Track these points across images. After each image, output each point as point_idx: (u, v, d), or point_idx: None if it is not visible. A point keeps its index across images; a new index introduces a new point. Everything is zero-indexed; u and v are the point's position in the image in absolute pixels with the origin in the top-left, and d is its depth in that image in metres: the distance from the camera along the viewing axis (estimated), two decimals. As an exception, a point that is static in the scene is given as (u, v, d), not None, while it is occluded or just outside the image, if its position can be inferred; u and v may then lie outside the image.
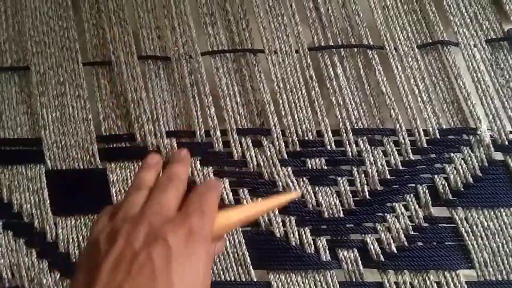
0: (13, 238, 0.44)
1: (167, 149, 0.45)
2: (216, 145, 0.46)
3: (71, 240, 0.44)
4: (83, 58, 0.49)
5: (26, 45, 0.49)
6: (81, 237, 0.44)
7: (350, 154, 0.45)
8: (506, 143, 0.44)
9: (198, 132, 0.46)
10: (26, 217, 0.45)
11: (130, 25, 0.50)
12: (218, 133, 0.46)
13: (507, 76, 0.46)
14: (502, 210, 0.42)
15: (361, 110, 0.46)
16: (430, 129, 0.45)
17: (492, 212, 0.42)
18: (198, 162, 0.45)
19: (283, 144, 0.45)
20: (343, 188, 0.44)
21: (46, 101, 0.47)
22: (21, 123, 0.47)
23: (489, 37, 0.46)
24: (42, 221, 0.44)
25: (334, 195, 0.44)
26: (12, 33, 0.50)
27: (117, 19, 0.50)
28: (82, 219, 0.44)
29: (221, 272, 0.42)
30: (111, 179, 0.45)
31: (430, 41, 0.47)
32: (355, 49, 0.48)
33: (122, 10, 0.50)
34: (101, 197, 0.45)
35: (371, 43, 0.47)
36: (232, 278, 0.42)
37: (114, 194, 0.44)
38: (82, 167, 0.46)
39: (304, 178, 0.44)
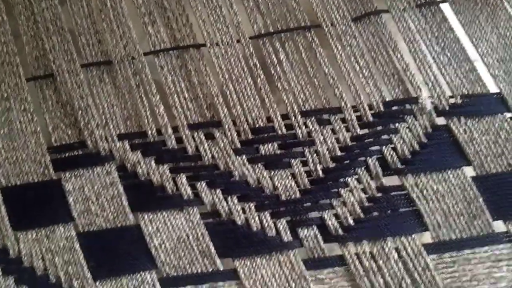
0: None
1: (120, 153, 0.47)
2: (169, 142, 0.48)
3: (34, 254, 0.45)
4: (25, 71, 0.50)
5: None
6: (44, 250, 0.45)
7: (300, 136, 0.48)
8: (447, 108, 0.47)
9: (149, 132, 0.48)
10: (-16, 235, 0.46)
11: (69, 33, 0.51)
12: (170, 130, 0.48)
13: (442, 44, 0.49)
14: (449, 172, 0.46)
15: (307, 92, 0.49)
16: (374, 103, 0.48)
17: (440, 175, 0.45)
18: (153, 161, 0.47)
19: (235, 134, 0.48)
20: (297, 170, 0.47)
21: (-8, 117, 0.48)
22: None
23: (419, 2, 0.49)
24: (3, 238, 0.46)
25: (290, 177, 0.46)
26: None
27: (54, 28, 0.52)
28: (43, 231, 0.46)
29: (187, 266, 0.44)
30: (67, 189, 0.47)
31: (363, 12, 0.50)
32: (295, 33, 0.50)
33: (59, 18, 0.52)
34: (59, 208, 0.47)
35: (309, 24, 0.50)
36: (199, 270, 0.44)
37: (72, 203, 0.47)
38: (36, 180, 0.47)
39: (259, 164, 0.47)
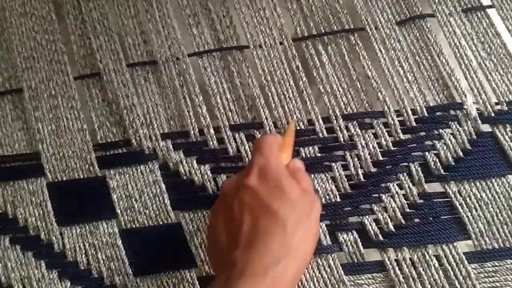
0: (21, 251, 0.47)
1: (163, 152, 0.48)
2: (211, 142, 0.48)
3: (78, 249, 0.47)
4: (72, 69, 0.51)
5: (15, 62, 0.52)
6: (87, 245, 0.47)
7: (342, 139, 0.47)
8: (493, 114, 0.47)
9: (192, 132, 0.49)
10: (32, 230, 0.48)
11: (116, 33, 0.52)
12: (212, 131, 0.49)
13: (488, 49, 0.49)
14: (493, 180, 0.45)
15: (349, 96, 0.49)
16: (418, 107, 0.47)
17: (484, 183, 0.45)
18: (195, 161, 0.48)
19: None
20: (337, 173, 0.46)
21: (41, 115, 0.50)
22: (18, 139, 0.50)
23: (467, 6, 0.49)
24: (48, 233, 0.47)
25: (330, 181, 0.46)
26: (0, 51, 0.52)
27: (102, 28, 0.53)
28: (87, 227, 0.47)
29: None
30: (111, 186, 0.48)
31: (408, 16, 0.49)
32: (338, 36, 0.50)
33: (106, 18, 0.53)
34: (103, 204, 0.48)
35: (353, 27, 0.50)
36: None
37: (116, 200, 0.47)
38: (82, 176, 0.49)
39: (299, 167, 0.47)
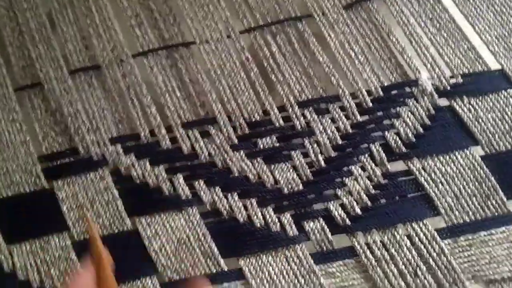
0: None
1: (113, 157, 0.45)
2: (163, 143, 0.45)
3: (29, 266, 0.43)
4: (12, 81, 0.48)
5: None
6: (39, 261, 0.43)
7: (299, 127, 0.45)
8: (448, 88, 0.45)
9: (142, 134, 0.46)
10: (-23, 252, 0.43)
11: (55, 41, 0.49)
12: (163, 130, 0.46)
13: (438, 25, 0.47)
14: (456, 153, 0.43)
15: (303, 83, 0.47)
16: (373, 88, 0.46)
17: (448, 157, 0.43)
18: (148, 163, 0.44)
19: (232, 129, 0.45)
20: (298, 162, 0.44)
21: (-19, 131, 0.46)
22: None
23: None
24: (-6, 253, 0.43)
25: (291, 170, 0.44)
26: None
27: (40, 37, 0.50)
28: (37, 243, 0.43)
29: (190, 269, 0.42)
30: (60, 197, 0.44)
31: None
32: (286, 24, 0.48)
33: (45, 27, 0.50)
34: (53, 217, 0.44)
35: (299, 15, 0.48)
36: (202, 272, 0.41)
37: (66, 211, 0.44)
38: (28, 190, 0.45)
39: (258, 159, 0.44)
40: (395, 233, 0.41)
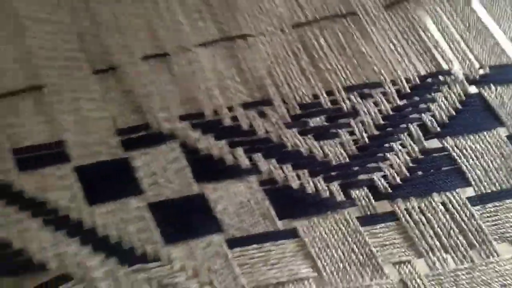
0: (54, 232, 0.49)
1: (182, 132, 0.51)
2: (225, 120, 0.52)
3: (108, 225, 0.49)
4: (91, 64, 0.55)
5: (35, 62, 0.55)
6: (117, 220, 0.49)
7: (345, 109, 0.51)
8: (477, 77, 0.52)
9: (207, 112, 0.52)
10: (62, 211, 0.49)
11: (128, 30, 0.56)
12: (225, 110, 0.52)
13: (467, 24, 0.54)
14: (485, 133, 0.49)
15: (348, 71, 0.53)
16: (411, 76, 0.52)
17: (477, 136, 0.49)
18: (212, 137, 0.51)
19: (285, 110, 0.52)
20: (344, 138, 0.50)
21: (63, 107, 0.53)
22: (40, 130, 0.52)
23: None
24: (79, 212, 0.49)
25: (338, 146, 0.50)
26: (20, 53, 0.55)
27: (114, 28, 0.56)
28: (115, 205, 0.49)
29: (250, 228, 0.48)
30: (135, 165, 0.50)
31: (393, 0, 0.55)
32: (333, 21, 0.55)
33: (117, 18, 0.56)
34: (129, 182, 0.50)
35: (344, 12, 0.55)
36: (261, 231, 0.47)
37: (141, 178, 0.50)
38: (107, 159, 0.51)
39: (309, 136, 0.51)
40: (431, 200, 0.47)
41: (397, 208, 0.47)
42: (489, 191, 0.47)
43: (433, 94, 0.51)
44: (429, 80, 0.52)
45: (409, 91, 0.51)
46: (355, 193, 0.48)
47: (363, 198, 0.48)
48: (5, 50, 0.56)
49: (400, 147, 0.49)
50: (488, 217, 0.46)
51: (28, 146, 0.52)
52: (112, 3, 0.58)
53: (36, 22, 0.57)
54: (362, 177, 0.49)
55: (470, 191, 0.48)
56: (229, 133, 0.51)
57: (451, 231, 0.46)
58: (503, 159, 0.48)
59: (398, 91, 0.52)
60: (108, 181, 0.50)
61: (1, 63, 0.55)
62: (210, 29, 0.56)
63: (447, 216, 0.46)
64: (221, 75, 0.53)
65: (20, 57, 0.56)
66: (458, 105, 0.50)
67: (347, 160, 0.49)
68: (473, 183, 0.47)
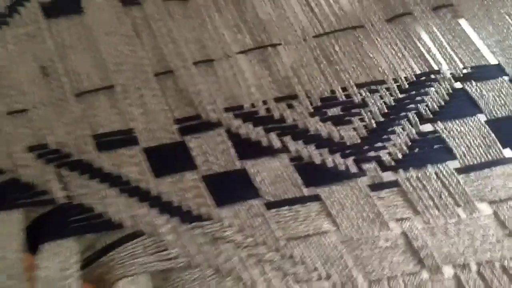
0: (128, 198, 0.61)
1: (226, 121, 0.63)
2: (261, 111, 0.64)
3: (171, 192, 0.60)
4: (152, 69, 0.67)
5: (107, 67, 0.67)
6: (176, 189, 0.60)
7: (356, 101, 0.63)
8: (461, 75, 0.63)
9: (246, 105, 0.64)
10: (133, 182, 0.61)
11: (180, 40, 0.68)
12: (261, 103, 0.64)
13: (453, 33, 0.66)
14: (468, 118, 0.61)
15: (358, 72, 0.65)
16: (408, 75, 0.64)
17: (462, 121, 0.61)
18: (251, 125, 0.63)
19: (309, 103, 0.64)
20: (357, 124, 0.62)
21: (131, 102, 0.65)
22: (113, 120, 0.65)
23: (435, 6, 0.67)
24: (147, 183, 0.61)
25: (351, 130, 0.62)
26: (94, 60, 0.68)
27: (169, 39, 0.69)
28: (175, 177, 0.61)
29: (282, 194, 0.59)
30: (190, 146, 0.62)
31: (394, 15, 0.67)
32: (346, 32, 0.67)
33: (172, 32, 0.69)
34: (185, 160, 0.62)
35: (355, 25, 0.67)
36: (291, 196, 0.59)
37: (195, 156, 0.62)
38: (167, 142, 0.63)
39: (328, 122, 0.62)
40: (426, 171, 0.59)
41: (399, 177, 0.59)
42: (471, 163, 0.59)
43: (426, 89, 0.63)
44: (423, 78, 0.64)
45: (407, 86, 0.63)
46: (365, 166, 0.60)
47: (372, 170, 0.59)
48: (83, 58, 0.68)
49: (401, 130, 0.61)
50: (470, 182, 0.58)
51: (104, 133, 0.64)
52: (167, 20, 0.70)
53: (106, 35, 0.69)
54: (371, 154, 0.60)
55: (456, 163, 0.59)
56: (264, 121, 0.63)
57: (442, 194, 0.57)
58: (482, 138, 0.60)
59: (398, 87, 0.63)
60: (169, 159, 0.62)
61: (80, 69, 0.67)
62: (246, 39, 0.68)
63: (439, 183, 0.58)
64: (256, 76, 0.65)
65: (95, 63, 0.68)
66: (446, 97, 0.62)
67: (359, 141, 0.61)
68: (458, 157, 0.59)
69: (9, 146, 0.62)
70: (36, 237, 0.56)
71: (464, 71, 0.63)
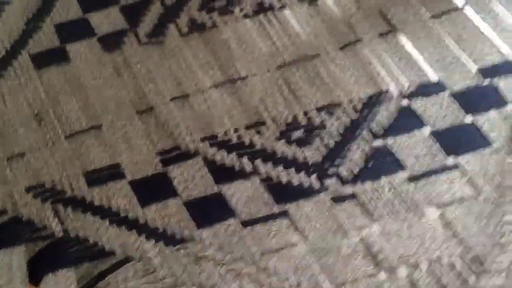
0: (118, 228, 0.66)
1: (203, 149, 0.69)
2: (233, 139, 0.70)
3: (155, 219, 0.66)
4: (133, 107, 0.73)
5: (94, 107, 0.73)
6: (162, 215, 0.66)
7: (317, 124, 0.69)
8: (407, 93, 0.70)
9: (219, 134, 0.70)
10: (122, 212, 0.67)
11: (159, 79, 0.74)
12: (232, 131, 0.70)
13: (400, 56, 0.72)
14: (415, 131, 0.67)
15: (318, 97, 0.71)
16: (362, 96, 0.70)
17: (409, 134, 0.67)
18: (225, 151, 0.69)
19: (275, 127, 0.70)
20: (318, 144, 0.68)
21: (115, 140, 0.71)
22: (101, 157, 0.71)
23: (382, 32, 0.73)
24: (134, 212, 0.67)
25: (314, 150, 0.68)
26: (82, 103, 0.74)
27: (149, 77, 0.75)
28: (159, 205, 0.67)
29: (256, 212, 0.66)
30: (171, 176, 0.68)
31: (346, 43, 0.73)
32: (304, 61, 0.74)
33: (150, 71, 0.75)
34: (167, 188, 0.68)
35: (312, 54, 0.73)
36: (263, 214, 0.65)
37: (176, 184, 0.68)
38: (150, 174, 0.69)
39: (293, 144, 0.68)
40: (380, 182, 0.65)
41: (357, 190, 0.65)
42: (419, 172, 0.65)
43: (377, 108, 0.69)
44: (374, 98, 0.70)
45: (360, 107, 0.69)
46: (327, 182, 0.66)
47: (333, 185, 0.65)
48: (71, 102, 0.74)
49: (356, 147, 0.67)
50: (419, 190, 0.64)
51: (94, 169, 0.70)
52: (144, 61, 0.76)
53: (92, 80, 0.75)
54: (331, 170, 0.66)
55: (406, 173, 0.65)
56: (236, 148, 0.69)
57: (394, 202, 0.63)
58: (427, 149, 0.66)
59: (353, 108, 0.70)
60: (153, 189, 0.68)
61: (70, 112, 0.73)
62: (217, 74, 0.74)
63: (391, 192, 0.64)
64: (227, 107, 0.71)
65: (83, 106, 0.74)
66: (395, 114, 0.68)
67: (320, 159, 0.67)
68: (408, 167, 0.65)
69: (10, 188, 0.68)
70: (38, 268, 0.62)
71: (410, 89, 0.69)
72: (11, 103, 0.73)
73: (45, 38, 0.78)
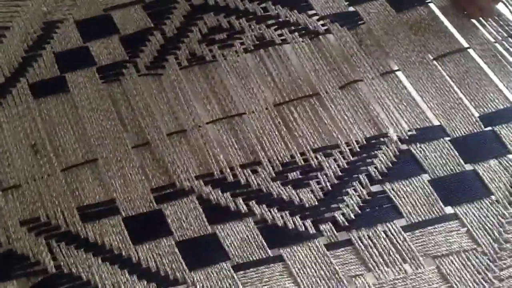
0: (110, 266, 0.63)
1: (197, 187, 0.66)
2: (229, 178, 0.66)
3: (148, 258, 0.63)
4: (130, 141, 0.70)
5: (89, 141, 0.70)
6: (155, 255, 0.63)
7: (314, 165, 0.66)
8: (407, 137, 0.65)
9: (215, 172, 0.67)
10: (115, 250, 0.64)
11: (156, 114, 0.71)
12: (228, 170, 0.66)
13: (400, 97, 0.68)
14: (412, 178, 0.63)
15: (315, 137, 0.67)
16: (359, 138, 0.66)
17: (407, 181, 0.63)
18: (219, 190, 0.65)
19: (271, 168, 0.66)
20: (314, 187, 0.64)
21: (112, 174, 0.67)
22: (97, 192, 0.67)
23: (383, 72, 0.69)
24: (127, 250, 0.63)
25: (309, 192, 0.64)
26: (78, 135, 0.70)
27: (146, 112, 0.71)
28: (152, 243, 0.63)
29: (249, 256, 0.62)
30: (165, 214, 0.65)
31: (346, 82, 0.69)
32: (303, 100, 0.70)
33: (149, 105, 0.72)
34: (162, 226, 0.64)
35: (311, 93, 0.69)
36: (257, 258, 0.61)
37: (170, 222, 0.64)
38: (145, 210, 0.66)
39: (289, 186, 0.65)
40: (376, 229, 0.61)
41: (352, 237, 0.61)
42: (416, 221, 0.61)
43: (375, 151, 0.65)
44: (373, 141, 0.66)
45: (358, 149, 0.65)
46: (322, 227, 0.62)
47: (328, 230, 0.62)
48: (69, 134, 0.71)
49: (353, 192, 0.63)
50: (416, 239, 0.60)
51: (89, 204, 0.66)
52: (143, 93, 0.73)
53: (89, 111, 0.72)
54: (327, 215, 0.63)
55: (403, 221, 0.61)
56: (231, 187, 0.65)
57: (390, 251, 0.59)
58: (426, 197, 0.62)
59: (351, 150, 0.66)
60: (147, 226, 0.65)
61: (66, 145, 0.70)
62: (215, 110, 0.70)
63: (387, 241, 0.60)
64: (224, 144, 0.68)
65: (80, 138, 0.70)
66: (393, 159, 0.64)
67: (316, 203, 0.63)
68: (405, 215, 0.61)
69: (5, 221, 0.64)
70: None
71: (410, 133, 0.65)
72: (8, 132, 0.70)
73: (45, 66, 0.74)
